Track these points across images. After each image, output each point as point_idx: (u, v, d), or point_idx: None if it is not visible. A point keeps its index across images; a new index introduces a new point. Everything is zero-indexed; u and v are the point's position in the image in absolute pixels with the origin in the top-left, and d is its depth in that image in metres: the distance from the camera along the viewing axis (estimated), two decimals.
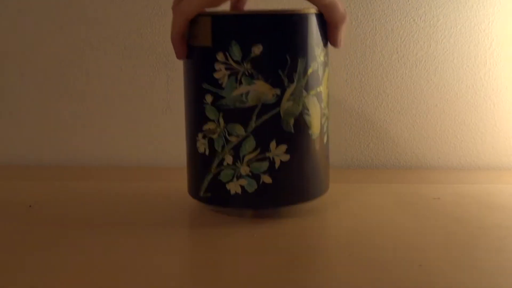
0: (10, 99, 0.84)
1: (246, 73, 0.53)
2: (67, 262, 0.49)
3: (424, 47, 0.79)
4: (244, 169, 0.54)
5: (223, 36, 0.53)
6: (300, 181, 0.56)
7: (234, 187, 0.55)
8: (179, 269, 0.49)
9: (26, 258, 0.50)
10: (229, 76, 0.53)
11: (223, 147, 0.54)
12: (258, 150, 0.54)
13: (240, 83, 0.53)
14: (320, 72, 0.56)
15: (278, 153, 0.54)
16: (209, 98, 0.54)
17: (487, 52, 0.78)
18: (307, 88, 0.55)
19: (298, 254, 0.51)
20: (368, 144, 0.82)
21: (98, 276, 0.46)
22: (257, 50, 0.53)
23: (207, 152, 0.56)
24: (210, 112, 0.55)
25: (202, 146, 0.56)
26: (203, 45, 0.54)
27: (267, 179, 0.55)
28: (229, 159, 0.54)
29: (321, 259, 0.50)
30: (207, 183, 0.56)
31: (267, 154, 0.54)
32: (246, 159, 0.54)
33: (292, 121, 0.54)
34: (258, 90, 0.53)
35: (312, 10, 0.55)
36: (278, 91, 0.53)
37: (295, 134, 0.55)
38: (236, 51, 0.53)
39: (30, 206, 0.64)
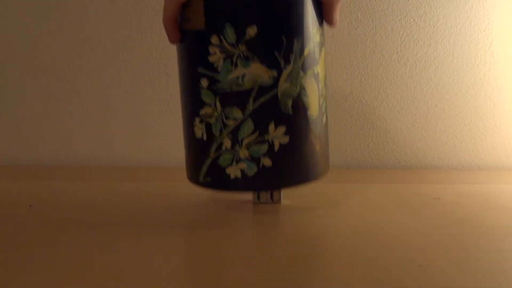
0: (10, 99, 0.84)
1: (242, 56, 0.52)
2: (67, 262, 0.49)
3: (424, 47, 0.79)
4: (243, 153, 0.54)
5: (217, 18, 0.52)
6: (300, 162, 0.55)
7: (233, 171, 0.54)
8: (179, 269, 0.49)
9: (26, 258, 0.50)
10: (224, 59, 0.52)
11: (221, 131, 0.54)
12: (257, 133, 0.53)
13: (236, 66, 0.52)
14: (317, 52, 0.55)
15: (277, 135, 0.54)
16: (204, 82, 0.53)
17: (487, 52, 0.78)
18: (304, 68, 0.54)
19: (298, 254, 0.51)
20: (368, 144, 0.82)
21: (98, 276, 0.46)
22: (251, 31, 0.51)
23: (204, 137, 0.55)
24: (206, 97, 0.54)
25: (200, 131, 0.55)
26: (196, 29, 0.53)
27: (267, 161, 0.54)
28: (227, 143, 0.54)
29: (321, 259, 0.50)
30: (206, 168, 0.56)
31: (266, 137, 0.53)
32: (244, 142, 0.53)
33: (290, 103, 0.53)
34: (254, 72, 0.52)
35: None
36: (274, 73, 0.52)
37: (294, 115, 0.54)
38: (230, 34, 0.52)
39: (30, 206, 0.64)
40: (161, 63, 0.81)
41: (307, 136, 0.55)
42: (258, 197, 0.64)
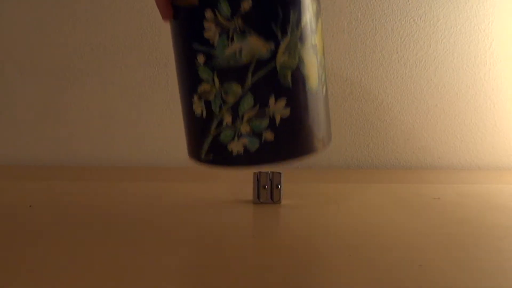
0: (10, 99, 0.84)
1: (237, 30, 0.51)
2: (67, 262, 0.49)
3: (424, 47, 0.79)
4: (244, 128, 0.53)
5: None
6: (302, 134, 0.54)
7: (236, 147, 0.53)
8: (179, 269, 0.49)
9: (26, 258, 0.50)
10: (220, 34, 0.51)
11: (220, 107, 0.53)
12: (257, 107, 0.52)
13: (232, 40, 0.51)
14: (314, 22, 0.54)
15: (278, 108, 0.53)
16: (201, 59, 0.52)
17: (487, 52, 0.78)
18: (301, 40, 0.53)
19: (298, 254, 0.51)
20: (368, 144, 0.82)
21: (98, 276, 0.46)
22: (246, 4, 0.50)
23: (204, 114, 0.54)
24: (204, 73, 0.53)
25: (199, 108, 0.54)
26: (189, 4, 0.52)
27: (269, 135, 0.53)
28: (228, 119, 0.53)
29: (321, 259, 0.50)
30: (208, 145, 0.55)
31: (267, 111, 0.53)
32: (245, 117, 0.53)
33: (289, 75, 0.53)
34: (252, 46, 0.51)
35: None
36: (272, 46, 0.51)
37: (293, 87, 0.53)
38: (224, 7, 0.51)
39: (30, 206, 0.64)
40: (161, 63, 0.81)
41: (308, 108, 0.54)
42: (258, 197, 0.64)
